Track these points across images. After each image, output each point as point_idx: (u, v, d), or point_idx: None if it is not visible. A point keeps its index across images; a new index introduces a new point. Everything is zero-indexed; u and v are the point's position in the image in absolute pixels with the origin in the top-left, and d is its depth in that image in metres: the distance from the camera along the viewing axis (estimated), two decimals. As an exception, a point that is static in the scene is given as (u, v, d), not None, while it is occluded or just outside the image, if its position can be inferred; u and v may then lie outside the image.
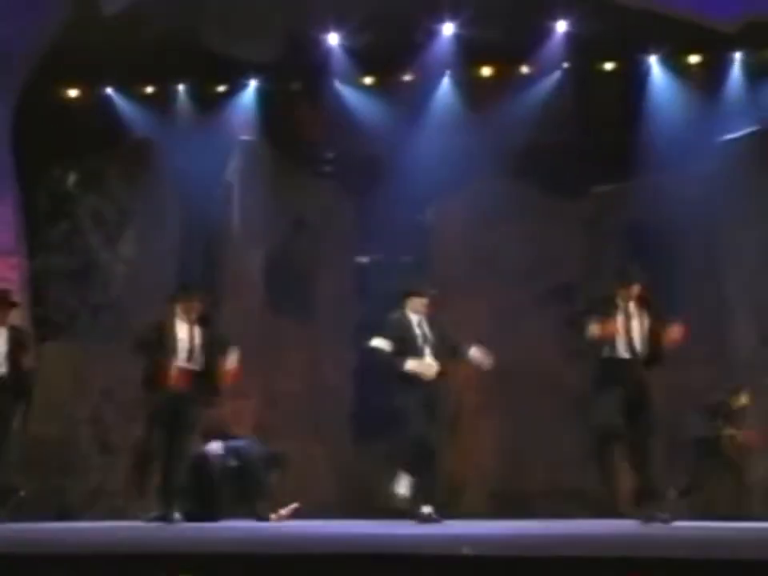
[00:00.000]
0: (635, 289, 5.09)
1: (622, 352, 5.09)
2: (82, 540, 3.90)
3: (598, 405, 5.09)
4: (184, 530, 4.70)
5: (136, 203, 7.52)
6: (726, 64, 7.27)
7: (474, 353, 5.40)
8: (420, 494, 5.12)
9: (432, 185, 7.46)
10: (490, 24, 6.98)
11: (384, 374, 5.46)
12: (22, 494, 6.41)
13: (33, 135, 6.76)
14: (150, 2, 6.64)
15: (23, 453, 6.43)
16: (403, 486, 5.10)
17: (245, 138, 7.72)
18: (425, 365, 5.19)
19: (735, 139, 7.15)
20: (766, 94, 7.20)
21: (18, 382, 5.54)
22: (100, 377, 6.92)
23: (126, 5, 6.40)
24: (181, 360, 5.18)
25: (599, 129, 7.47)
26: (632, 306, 5.09)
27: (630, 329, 5.10)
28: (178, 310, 5.25)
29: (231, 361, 5.31)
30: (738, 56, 7.21)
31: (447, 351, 5.33)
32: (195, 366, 5.22)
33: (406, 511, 5.09)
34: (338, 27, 7.28)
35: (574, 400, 7.21)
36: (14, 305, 5.68)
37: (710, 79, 7.31)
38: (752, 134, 7.11)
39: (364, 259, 8.13)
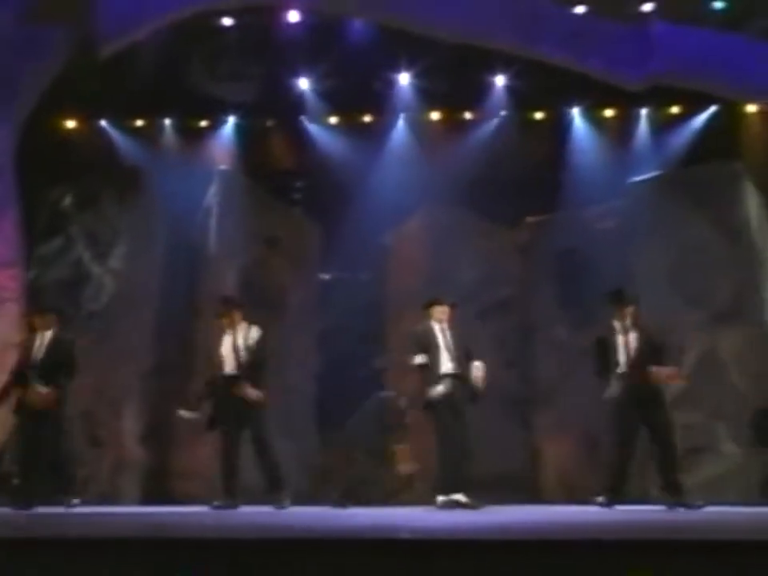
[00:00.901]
0: (630, 309, 5.37)
1: (624, 367, 5.29)
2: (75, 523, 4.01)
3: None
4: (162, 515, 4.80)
5: (125, 223, 7.51)
6: (634, 118, 7.79)
7: (476, 370, 5.40)
8: (452, 483, 5.24)
9: (389, 211, 7.72)
10: (440, 76, 7.44)
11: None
12: (16, 482, 6.38)
13: (34, 161, 6.82)
14: (142, 46, 6.81)
15: (18, 444, 6.28)
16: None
17: (224, 167, 7.89)
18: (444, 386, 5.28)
19: (642, 181, 7.55)
20: (666, 144, 7.69)
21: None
22: (91, 377, 6.86)
23: (120, 48, 6.58)
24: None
25: (531, 168, 7.81)
26: (628, 323, 5.36)
27: (628, 343, 5.31)
28: (223, 323, 5.47)
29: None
30: (644, 112, 7.75)
31: (463, 355, 5.44)
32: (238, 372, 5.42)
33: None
34: (308, 73, 7.64)
35: (511, 402, 7.67)
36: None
37: (621, 130, 7.81)
38: (656, 177, 7.54)
39: (328, 275, 8.32)
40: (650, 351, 5.37)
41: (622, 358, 5.35)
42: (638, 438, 5.46)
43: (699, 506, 5.09)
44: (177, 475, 7.29)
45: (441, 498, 5.27)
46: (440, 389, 5.32)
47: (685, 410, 6.89)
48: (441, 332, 5.46)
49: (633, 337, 5.36)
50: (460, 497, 5.24)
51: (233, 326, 5.59)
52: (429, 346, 5.40)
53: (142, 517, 4.73)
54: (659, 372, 5.34)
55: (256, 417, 5.54)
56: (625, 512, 5.07)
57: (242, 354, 5.52)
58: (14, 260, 6.64)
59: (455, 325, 5.55)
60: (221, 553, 2.95)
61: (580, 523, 4.02)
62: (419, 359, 5.40)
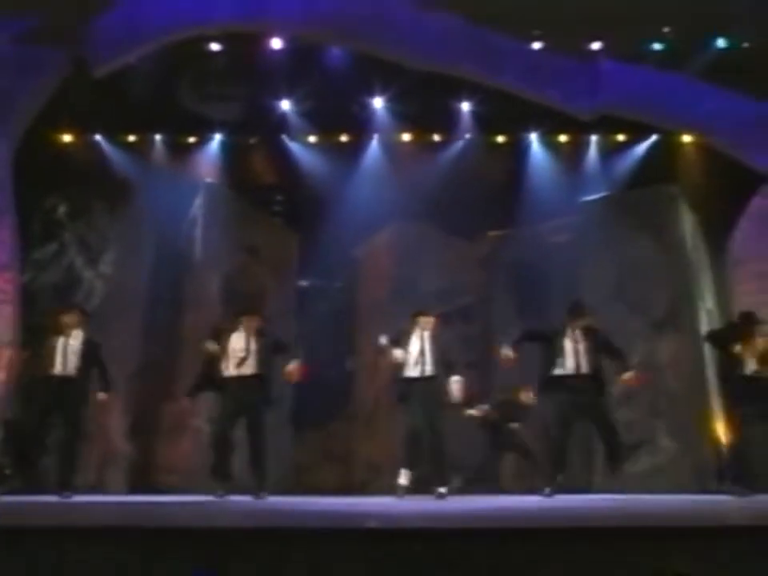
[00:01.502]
0: (584, 320, 5.67)
1: (570, 369, 5.57)
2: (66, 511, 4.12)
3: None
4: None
5: (116, 231, 7.54)
6: (585, 144, 8.09)
7: (455, 383, 5.52)
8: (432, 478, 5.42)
9: (361, 225, 7.85)
10: (411, 101, 7.62)
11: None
12: (8, 472, 6.49)
13: (31, 172, 6.83)
14: (134, 68, 6.91)
15: (11, 437, 6.46)
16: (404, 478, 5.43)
17: (209, 180, 7.98)
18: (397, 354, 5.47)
19: (592, 200, 7.89)
20: (613, 168, 8.01)
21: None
22: None
23: (114, 69, 6.67)
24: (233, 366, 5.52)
25: (492, 187, 8.03)
26: (578, 333, 5.64)
27: (578, 351, 5.60)
28: (241, 323, 5.58)
29: (293, 363, 5.62)
30: (593, 139, 8.07)
31: (443, 364, 5.58)
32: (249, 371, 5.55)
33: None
34: (289, 96, 7.80)
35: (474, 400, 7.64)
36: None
37: (573, 154, 8.09)
38: (604, 197, 7.89)
39: (304, 283, 8.42)
40: (599, 358, 5.69)
41: (570, 361, 5.64)
42: (574, 434, 5.79)
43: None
44: (161, 468, 7.37)
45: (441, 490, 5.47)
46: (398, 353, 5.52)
47: (626, 409, 7.28)
48: (419, 338, 5.64)
49: (582, 346, 5.66)
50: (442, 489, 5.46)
51: (249, 330, 5.69)
52: (402, 344, 5.60)
53: (127, 506, 4.81)
54: (625, 376, 5.66)
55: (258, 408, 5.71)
56: (569, 501, 5.30)
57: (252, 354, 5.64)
58: (10, 264, 6.66)
59: (437, 335, 5.73)
60: (203, 540, 3.05)
61: (535, 511, 4.21)
62: (382, 340, 5.62)
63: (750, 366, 5.71)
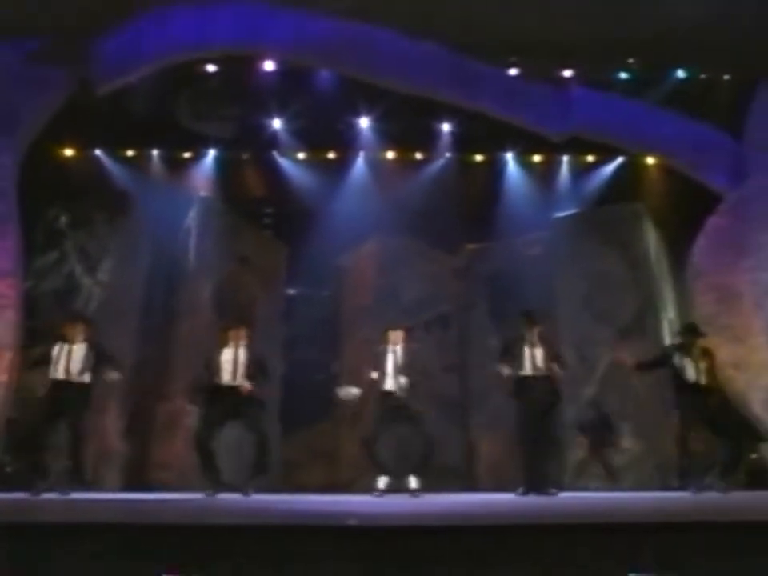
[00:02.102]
0: (537, 328, 5.96)
1: (528, 371, 5.92)
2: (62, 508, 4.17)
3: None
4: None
5: (114, 240, 7.67)
6: (557, 164, 8.33)
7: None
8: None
9: (346, 237, 8.02)
10: (395, 121, 7.82)
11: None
12: (9, 470, 6.72)
13: (34, 184, 6.94)
14: (135, 87, 7.00)
15: (11, 437, 6.60)
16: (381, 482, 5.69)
17: (203, 194, 8.13)
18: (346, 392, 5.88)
19: (563, 217, 8.16)
20: (583, 186, 8.26)
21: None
22: None
23: (115, 88, 6.76)
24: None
25: (470, 203, 8.25)
26: (535, 338, 5.95)
27: (534, 355, 5.88)
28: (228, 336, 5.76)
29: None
30: (565, 159, 8.31)
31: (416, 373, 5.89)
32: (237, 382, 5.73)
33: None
34: (280, 115, 7.95)
35: (450, 403, 8.03)
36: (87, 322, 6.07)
37: (546, 173, 8.33)
38: (574, 213, 8.16)
39: (292, 291, 8.54)
40: (550, 361, 6.01)
41: (527, 364, 5.94)
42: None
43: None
44: (155, 466, 7.47)
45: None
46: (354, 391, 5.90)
47: (595, 411, 7.67)
48: (393, 353, 5.92)
49: (538, 350, 5.96)
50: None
51: (237, 341, 5.89)
52: (379, 365, 5.92)
53: (121, 503, 4.89)
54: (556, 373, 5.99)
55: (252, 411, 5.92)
56: (541, 500, 5.45)
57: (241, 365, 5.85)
58: (13, 271, 6.74)
59: (408, 346, 6.00)
60: (192, 537, 3.14)
61: (507, 509, 4.38)
62: (373, 375, 5.94)
63: (690, 374, 6.01)
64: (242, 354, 5.88)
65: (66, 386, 5.86)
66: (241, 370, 5.83)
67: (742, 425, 6.58)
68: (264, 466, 5.96)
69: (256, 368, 5.93)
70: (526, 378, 5.95)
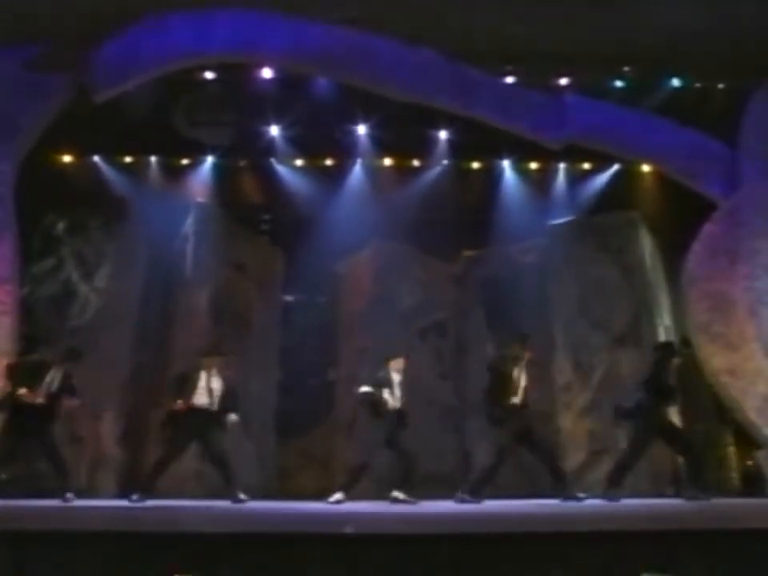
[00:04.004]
0: (529, 351, 6.03)
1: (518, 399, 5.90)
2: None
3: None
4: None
5: (111, 247, 7.67)
6: (553, 171, 8.40)
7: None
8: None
9: (343, 243, 8.06)
10: (392, 129, 7.88)
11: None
12: (4, 476, 6.57)
13: (32, 190, 6.94)
14: (132, 94, 7.02)
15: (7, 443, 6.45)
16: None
17: (201, 200, 8.16)
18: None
19: (559, 224, 8.17)
20: (579, 194, 8.34)
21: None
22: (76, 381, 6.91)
23: (113, 96, 6.78)
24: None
25: (467, 210, 8.32)
26: (525, 360, 6.01)
27: (521, 376, 5.93)
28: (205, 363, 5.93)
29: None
30: (561, 167, 8.37)
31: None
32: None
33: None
34: (278, 122, 8.02)
35: (446, 410, 8.05)
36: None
37: (542, 181, 8.40)
38: (570, 221, 8.18)
39: (289, 298, 8.59)
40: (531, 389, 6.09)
41: (522, 383, 5.99)
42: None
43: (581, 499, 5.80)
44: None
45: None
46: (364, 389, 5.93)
47: (590, 418, 7.66)
48: (395, 377, 6.06)
49: (523, 377, 6.02)
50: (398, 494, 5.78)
51: (210, 369, 6.06)
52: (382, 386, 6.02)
53: (116, 510, 4.90)
54: None
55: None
56: (541, 505, 5.52)
57: (216, 391, 6.02)
58: (10, 277, 6.75)
59: (406, 369, 6.12)
60: (188, 544, 3.22)
61: (502, 515, 4.41)
62: (364, 389, 6.05)
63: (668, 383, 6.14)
64: (216, 382, 6.05)
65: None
66: (216, 396, 6.02)
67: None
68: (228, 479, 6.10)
69: (229, 397, 6.10)
70: (513, 405, 5.98)
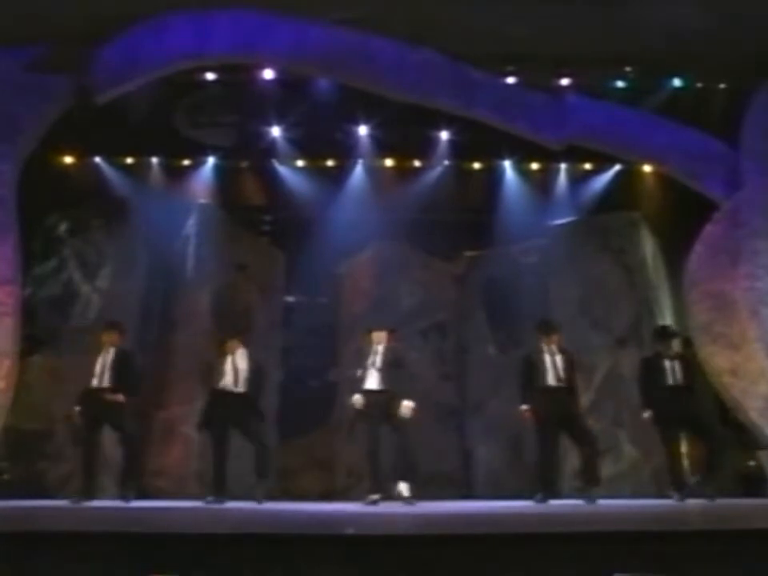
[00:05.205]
0: (555, 336, 6.01)
1: (551, 381, 5.89)
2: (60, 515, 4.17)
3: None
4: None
5: (112, 248, 7.70)
6: (554, 172, 8.39)
7: (404, 408, 5.63)
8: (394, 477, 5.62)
9: (344, 244, 8.06)
10: (393, 129, 7.89)
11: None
12: (6, 477, 6.79)
13: (34, 191, 6.94)
14: (134, 95, 7.00)
15: (9, 444, 6.64)
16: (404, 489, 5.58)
17: (202, 201, 8.18)
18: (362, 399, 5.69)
19: (560, 224, 8.20)
20: (580, 194, 8.33)
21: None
22: (75, 384, 6.81)
23: (115, 96, 6.78)
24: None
25: (468, 210, 8.33)
26: (553, 347, 6.00)
27: (555, 363, 5.92)
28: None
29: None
30: (562, 167, 8.36)
31: (398, 375, 5.72)
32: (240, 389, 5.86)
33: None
34: (279, 123, 8.02)
35: (447, 411, 8.08)
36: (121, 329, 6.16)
37: (544, 181, 8.39)
38: (571, 221, 8.20)
39: (290, 298, 8.61)
40: (572, 370, 6.06)
41: (550, 374, 5.95)
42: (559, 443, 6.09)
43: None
44: (150, 473, 7.48)
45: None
46: (357, 398, 5.78)
47: (592, 419, 7.58)
48: (373, 354, 5.83)
49: (559, 358, 6.01)
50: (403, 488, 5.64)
51: (233, 351, 6.00)
52: (363, 363, 5.88)
53: (117, 511, 4.86)
54: None
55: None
56: (542, 507, 5.45)
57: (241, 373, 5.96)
58: (12, 278, 6.70)
59: (392, 347, 5.93)
60: (189, 545, 3.24)
61: (505, 517, 4.36)
62: (357, 373, 5.91)
63: (668, 378, 6.07)
64: (241, 361, 5.98)
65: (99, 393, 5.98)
66: (241, 376, 5.94)
67: (729, 427, 6.60)
68: (265, 474, 6.03)
69: (254, 375, 6.03)
70: (548, 388, 5.92)
